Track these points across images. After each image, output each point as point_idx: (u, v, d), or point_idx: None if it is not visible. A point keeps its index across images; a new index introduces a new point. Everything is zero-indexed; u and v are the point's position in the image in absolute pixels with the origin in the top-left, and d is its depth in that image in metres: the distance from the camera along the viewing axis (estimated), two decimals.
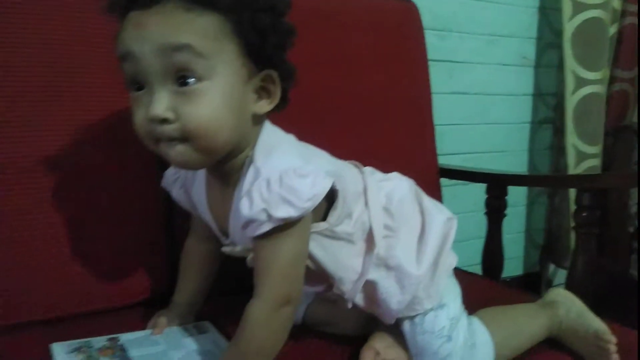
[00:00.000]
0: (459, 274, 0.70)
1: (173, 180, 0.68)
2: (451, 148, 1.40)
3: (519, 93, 1.58)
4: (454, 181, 1.15)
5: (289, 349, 0.61)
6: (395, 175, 0.70)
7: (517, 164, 1.61)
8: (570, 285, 0.89)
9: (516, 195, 1.64)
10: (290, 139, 0.61)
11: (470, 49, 1.46)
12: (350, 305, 0.65)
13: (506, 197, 1.05)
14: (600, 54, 1.48)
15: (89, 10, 0.79)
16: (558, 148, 1.59)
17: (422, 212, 0.66)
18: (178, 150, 0.52)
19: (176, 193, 0.68)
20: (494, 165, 1.49)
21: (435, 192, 1.05)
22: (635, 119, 1.68)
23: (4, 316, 0.72)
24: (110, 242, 0.79)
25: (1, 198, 0.72)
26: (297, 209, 0.51)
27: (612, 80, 1.58)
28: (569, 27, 1.45)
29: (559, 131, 1.59)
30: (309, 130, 0.76)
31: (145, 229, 0.82)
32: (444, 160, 1.11)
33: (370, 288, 0.63)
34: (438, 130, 1.11)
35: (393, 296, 0.62)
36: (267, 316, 0.55)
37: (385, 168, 0.72)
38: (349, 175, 0.63)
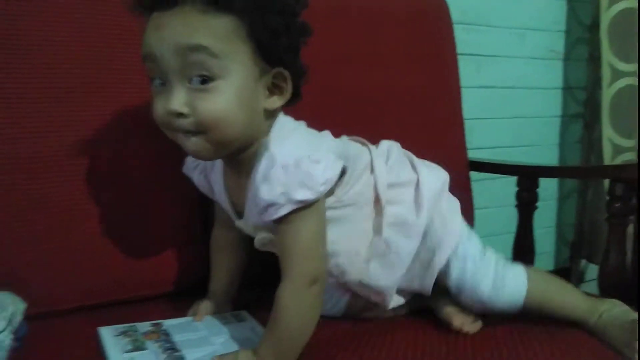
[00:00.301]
0: None
1: (193, 167, 0.72)
2: (480, 142, 1.40)
3: (548, 87, 1.57)
4: (483, 175, 1.15)
5: (334, 336, 0.63)
6: (384, 142, 0.75)
7: (548, 158, 1.60)
8: (602, 278, 0.89)
9: (547, 190, 1.63)
10: (301, 128, 0.65)
11: (499, 42, 1.45)
12: (389, 302, 0.69)
13: (537, 190, 1.04)
14: (634, 46, 1.46)
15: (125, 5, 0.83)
16: (588, 142, 1.57)
17: (414, 168, 0.72)
18: (193, 142, 0.57)
19: (197, 178, 0.72)
20: (524, 160, 1.48)
21: (465, 186, 1.06)
22: None
23: (47, 304, 0.75)
24: (147, 231, 0.82)
25: (42, 189, 0.75)
26: (314, 192, 0.56)
27: None
28: (605, 18, 1.43)
29: (589, 125, 1.57)
30: (339, 123, 0.79)
31: (182, 217, 0.84)
32: (473, 154, 1.11)
33: (384, 248, 0.67)
34: (467, 124, 1.11)
35: (403, 248, 0.67)
36: (297, 296, 0.58)
37: None
38: (355, 152, 0.69)
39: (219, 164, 0.67)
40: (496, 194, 1.37)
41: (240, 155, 0.61)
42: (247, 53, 0.56)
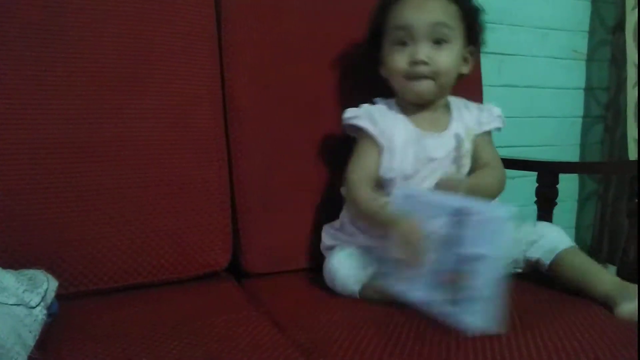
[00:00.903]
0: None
1: (354, 116, 0.85)
2: (501, 141, 1.38)
3: (570, 87, 1.57)
4: None
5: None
6: None
7: (569, 158, 1.59)
8: (621, 274, 0.89)
9: (567, 191, 1.62)
10: None
11: (521, 41, 1.46)
12: None
13: (557, 186, 1.04)
14: None
15: (176, 3, 0.87)
16: (610, 143, 1.56)
17: None
18: (425, 84, 0.82)
19: (363, 123, 0.84)
20: (545, 159, 1.48)
21: None
22: None
23: (83, 283, 0.79)
24: (174, 217, 0.84)
25: (83, 175, 0.79)
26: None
27: None
28: (630, 18, 1.42)
29: (610, 126, 1.56)
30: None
31: (210, 205, 0.87)
32: None
33: None
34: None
35: None
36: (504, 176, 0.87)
37: None
38: None
39: (394, 113, 0.86)
40: (517, 193, 1.37)
41: (436, 102, 0.86)
42: (461, 30, 0.84)
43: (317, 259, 0.93)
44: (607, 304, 0.72)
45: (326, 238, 0.89)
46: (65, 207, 0.77)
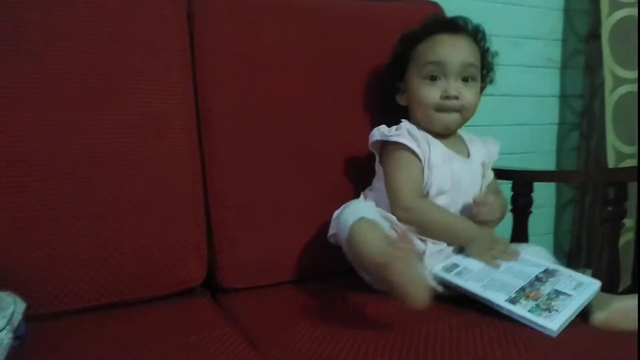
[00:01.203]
0: None
1: (396, 134, 0.87)
2: None
3: (545, 95, 1.59)
4: None
5: None
6: None
7: (545, 165, 1.61)
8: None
9: (545, 198, 1.64)
10: None
11: (496, 50, 1.47)
12: None
13: (532, 195, 1.05)
14: (635, 52, 1.47)
15: (139, 13, 0.86)
16: (586, 150, 1.58)
17: None
18: (453, 117, 0.89)
19: (406, 141, 0.86)
20: (521, 166, 1.49)
21: None
22: None
23: (53, 304, 0.77)
24: (147, 233, 0.83)
25: (49, 193, 0.77)
26: None
27: None
28: (606, 25, 1.44)
29: (586, 133, 1.58)
30: (331, 124, 0.80)
31: (184, 220, 0.86)
32: None
33: None
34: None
35: None
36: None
37: None
38: None
39: (434, 140, 0.90)
40: None
41: (455, 134, 0.94)
42: (480, 68, 0.92)
43: (295, 272, 0.92)
44: (582, 313, 0.72)
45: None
46: (32, 227, 0.76)
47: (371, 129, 0.90)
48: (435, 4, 1.13)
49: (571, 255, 1.65)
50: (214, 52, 0.91)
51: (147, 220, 0.83)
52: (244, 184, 0.90)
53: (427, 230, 0.82)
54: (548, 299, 0.71)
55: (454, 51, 0.88)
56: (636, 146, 1.48)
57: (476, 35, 0.92)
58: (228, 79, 0.91)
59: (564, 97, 1.62)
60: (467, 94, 0.88)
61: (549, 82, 1.59)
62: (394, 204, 0.84)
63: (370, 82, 1.00)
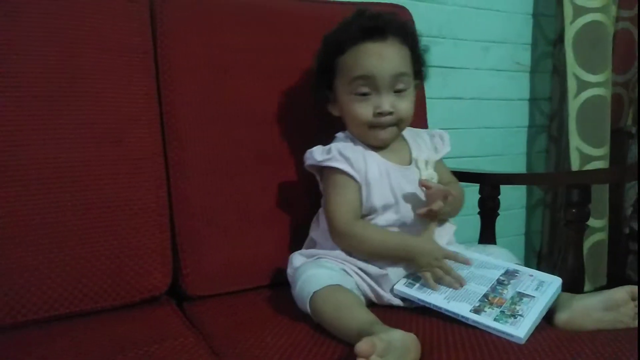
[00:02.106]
0: None
1: (328, 159, 0.83)
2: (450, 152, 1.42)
3: (514, 98, 1.61)
4: None
5: None
6: None
7: (515, 168, 1.63)
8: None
9: (515, 199, 1.66)
10: None
11: (465, 54, 1.49)
12: None
13: (499, 197, 1.06)
14: (602, 57, 1.49)
15: (99, 14, 0.84)
16: (556, 152, 1.61)
17: None
18: (389, 131, 0.84)
19: (340, 165, 0.83)
20: (491, 169, 1.51)
21: None
22: (629, 122, 1.70)
23: (7, 315, 0.74)
24: (110, 241, 0.81)
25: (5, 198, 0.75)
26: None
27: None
28: (570, 30, 1.47)
29: (555, 136, 1.61)
30: (298, 135, 0.78)
31: (148, 226, 0.84)
32: None
33: None
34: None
35: None
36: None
37: None
38: None
39: (364, 150, 0.86)
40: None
41: (396, 138, 0.88)
42: (412, 71, 0.85)
43: (262, 278, 0.91)
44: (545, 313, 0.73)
45: (298, 260, 0.85)
46: None
47: (337, 132, 0.89)
48: (403, 7, 1.13)
49: (542, 255, 1.67)
50: (178, 53, 0.90)
51: (108, 227, 0.81)
52: (210, 189, 0.89)
53: (366, 254, 0.80)
54: (512, 304, 0.71)
55: (382, 63, 0.81)
56: (603, 148, 1.51)
57: (404, 35, 0.85)
58: (193, 82, 0.90)
59: (533, 101, 1.64)
60: (402, 106, 0.83)
61: (519, 86, 1.61)
62: (330, 231, 0.82)
63: None
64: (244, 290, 0.90)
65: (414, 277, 0.79)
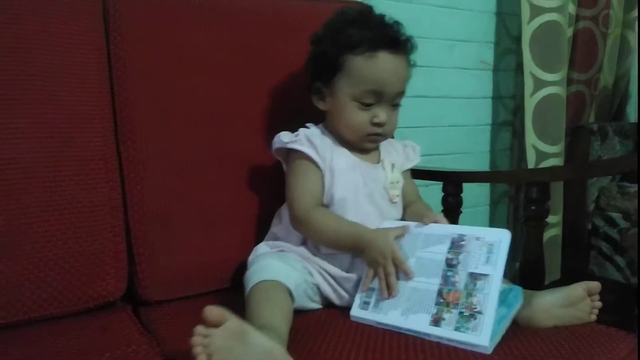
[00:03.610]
0: None
1: (293, 141, 0.83)
2: None
3: (478, 96, 1.62)
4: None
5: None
6: None
7: (479, 165, 1.64)
8: (522, 277, 0.91)
9: (480, 197, 1.67)
10: None
11: (430, 53, 1.49)
12: None
13: (462, 195, 1.06)
14: (558, 56, 1.52)
15: (50, 10, 0.80)
16: (518, 149, 1.63)
17: None
18: (378, 140, 0.86)
19: (305, 148, 0.82)
20: (457, 167, 1.52)
21: None
22: (592, 119, 1.74)
23: None
24: (60, 244, 0.78)
25: None
26: None
27: (569, 82, 1.63)
28: (527, 30, 1.49)
29: (518, 133, 1.63)
30: (257, 135, 0.76)
31: (100, 230, 0.81)
32: None
33: None
34: (400, 132, 1.12)
35: None
36: None
37: None
38: None
39: (338, 148, 0.86)
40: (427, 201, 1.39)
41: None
42: None
43: (222, 281, 0.89)
44: None
45: (262, 249, 0.85)
46: None
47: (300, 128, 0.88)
48: (368, 5, 1.12)
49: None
50: (133, 50, 0.86)
51: (59, 231, 0.78)
52: (166, 191, 0.86)
53: (322, 241, 0.79)
54: (467, 296, 0.69)
55: (394, 78, 0.82)
56: (558, 146, 1.54)
57: (411, 52, 0.87)
58: (148, 79, 0.87)
59: (497, 98, 1.66)
60: (394, 119, 0.85)
61: (483, 84, 1.63)
62: (290, 217, 0.81)
63: (299, 84, 0.98)
64: (203, 294, 0.87)
65: (367, 292, 0.76)
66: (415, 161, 0.94)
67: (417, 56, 1.42)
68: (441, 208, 1.09)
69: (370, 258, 0.75)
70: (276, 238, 0.86)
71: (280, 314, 0.67)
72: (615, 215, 1.51)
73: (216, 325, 0.55)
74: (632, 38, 1.78)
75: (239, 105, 0.93)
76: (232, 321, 0.56)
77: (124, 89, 0.85)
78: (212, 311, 0.55)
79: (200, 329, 0.55)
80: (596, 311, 0.74)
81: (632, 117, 2.04)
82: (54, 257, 0.77)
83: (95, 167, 0.82)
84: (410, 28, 1.42)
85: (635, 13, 1.77)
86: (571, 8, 1.58)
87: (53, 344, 0.70)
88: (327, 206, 0.82)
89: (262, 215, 0.90)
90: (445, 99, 1.54)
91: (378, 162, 0.88)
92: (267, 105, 0.95)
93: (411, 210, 0.89)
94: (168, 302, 0.85)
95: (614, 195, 1.52)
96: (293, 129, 0.87)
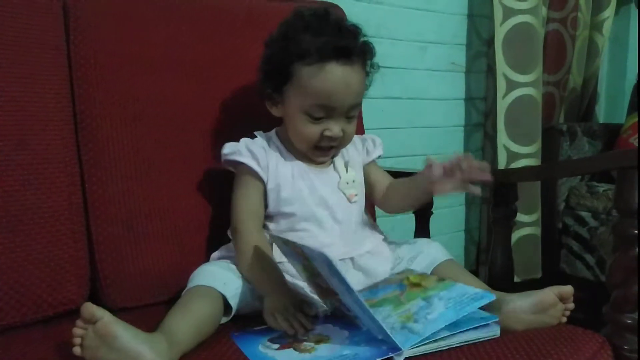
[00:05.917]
0: None
1: (233, 152, 0.81)
2: (387, 151, 1.41)
3: (450, 98, 1.63)
4: None
5: None
6: None
7: None
8: (491, 278, 0.91)
9: (455, 197, 1.68)
10: None
11: (402, 55, 1.49)
12: None
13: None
14: (532, 58, 1.54)
15: (5, 7, 0.78)
16: (490, 149, 1.64)
17: None
18: (332, 152, 0.83)
19: (245, 160, 0.80)
20: None
21: None
22: (562, 120, 1.77)
23: None
24: (17, 251, 0.75)
25: None
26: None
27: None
28: (500, 32, 1.51)
29: (489, 134, 1.64)
30: (222, 137, 0.75)
31: (60, 236, 0.78)
32: (379, 164, 1.12)
33: None
34: (372, 134, 1.12)
35: None
36: None
37: None
38: None
39: (274, 148, 0.84)
40: None
41: None
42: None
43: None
44: None
45: (216, 254, 0.84)
46: None
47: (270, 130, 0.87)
48: (337, 6, 1.11)
49: (480, 250, 1.70)
50: (94, 49, 0.84)
51: (15, 237, 0.75)
52: (128, 195, 0.83)
53: (238, 262, 0.76)
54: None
55: (345, 92, 0.76)
56: (533, 146, 1.56)
57: (366, 59, 0.81)
58: (110, 79, 0.84)
59: (469, 100, 1.67)
60: (350, 130, 0.81)
61: (455, 85, 1.64)
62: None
63: None
64: (169, 301, 0.85)
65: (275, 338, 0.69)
66: (377, 152, 0.91)
67: (389, 58, 1.45)
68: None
69: (270, 307, 0.71)
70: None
71: (188, 322, 0.66)
72: (585, 214, 1.53)
73: (89, 322, 0.57)
74: (600, 40, 1.82)
75: (203, 107, 0.92)
76: (101, 323, 0.57)
77: (84, 90, 0.83)
78: (87, 309, 0.57)
79: (79, 322, 0.58)
80: (568, 313, 0.74)
81: (601, 117, 2.08)
82: (10, 265, 0.74)
83: (54, 170, 0.79)
84: (381, 30, 1.44)
85: (603, 16, 1.80)
86: (543, 10, 1.61)
87: (14, 355, 0.67)
88: (274, 216, 0.81)
89: (227, 220, 0.88)
90: (417, 100, 1.55)
91: (330, 165, 0.86)
92: (233, 106, 0.93)
93: (400, 188, 0.88)
94: (132, 309, 0.82)
95: (584, 195, 1.55)
96: (265, 131, 0.86)
